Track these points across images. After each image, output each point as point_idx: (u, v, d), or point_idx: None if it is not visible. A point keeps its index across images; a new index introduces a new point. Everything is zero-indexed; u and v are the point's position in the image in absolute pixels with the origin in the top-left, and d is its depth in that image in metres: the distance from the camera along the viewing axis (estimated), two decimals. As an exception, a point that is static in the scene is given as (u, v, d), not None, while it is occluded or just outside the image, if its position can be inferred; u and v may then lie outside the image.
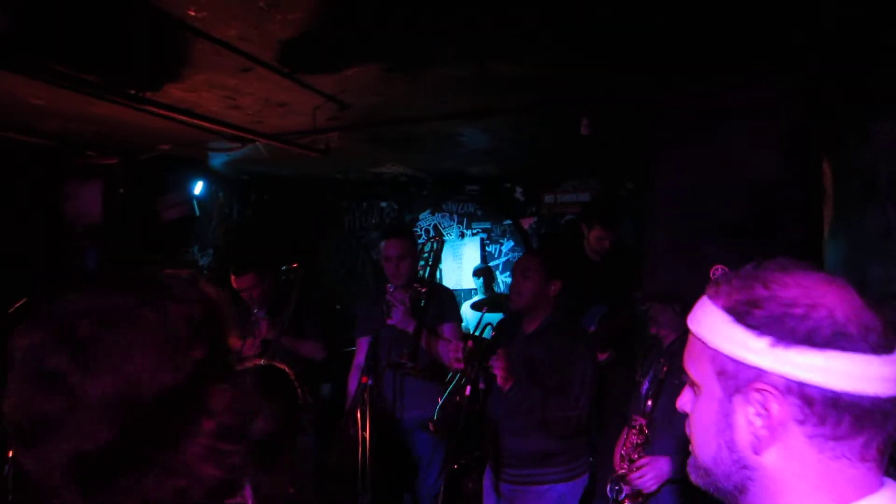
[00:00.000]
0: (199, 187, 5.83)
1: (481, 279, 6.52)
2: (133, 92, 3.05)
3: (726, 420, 0.89)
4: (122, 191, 5.14)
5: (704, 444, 0.93)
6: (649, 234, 2.63)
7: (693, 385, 0.96)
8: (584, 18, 2.57)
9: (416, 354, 3.17)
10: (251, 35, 2.95)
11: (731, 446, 0.89)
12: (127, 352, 0.79)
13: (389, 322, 3.43)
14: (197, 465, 0.79)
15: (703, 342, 0.92)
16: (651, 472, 2.65)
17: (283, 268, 3.93)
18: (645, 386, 2.99)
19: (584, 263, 4.73)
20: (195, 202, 5.70)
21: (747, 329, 0.86)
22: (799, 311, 0.83)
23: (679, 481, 2.63)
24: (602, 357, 4.04)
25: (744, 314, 0.87)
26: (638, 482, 2.68)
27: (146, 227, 5.42)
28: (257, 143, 4.58)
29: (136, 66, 3.14)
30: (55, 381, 0.77)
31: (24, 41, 2.72)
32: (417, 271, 3.71)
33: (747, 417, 0.87)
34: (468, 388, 2.54)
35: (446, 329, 3.61)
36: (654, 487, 2.67)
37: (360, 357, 3.66)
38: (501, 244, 7.10)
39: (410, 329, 3.32)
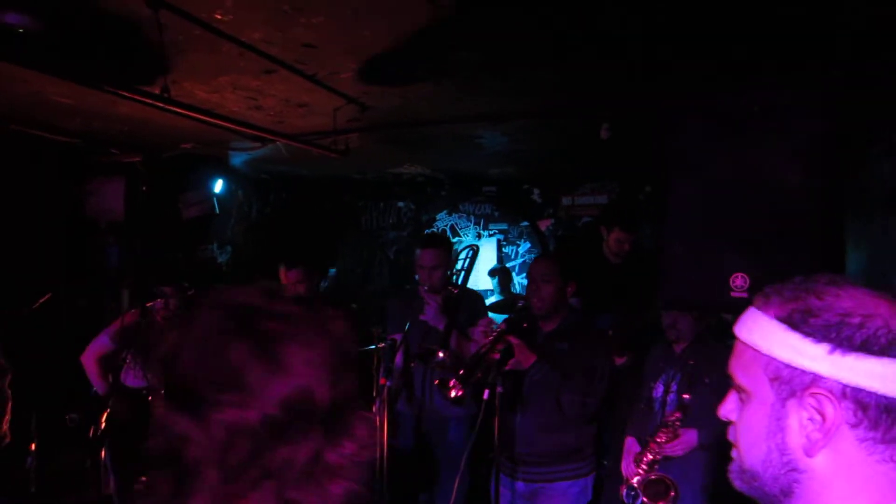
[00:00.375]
0: (219, 185, 5.90)
1: (496, 279, 6.53)
2: (158, 92, 3.10)
3: (778, 423, 0.92)
4: (144, 188, 5.20)
5: (753, 447, 0.96)
6: (668, 240, 2.63)
7: (741, 391, 0.99)
8: (604, 24, 2.58)
9: (446, 346, 3.23)
10: (275, 38, 2.99)
11: (783, 449, 0.92)
12: (306, 352, 0.84)
13: (422, 318, 3.50)
14: (329, 482, 0.83)
15: (754, 349, 0.95)
16: (679, 441, 2.85)
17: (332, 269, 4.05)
18: (659, 390, 3.02)
19: (601, 266, 4.72)
20: (215, 200, 5.76)
21: (804, 336, 0.89)
22: (855, 320, 0.87)
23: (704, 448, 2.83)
24: (619, 361, 4.04)
25: (799, 322, 0.90)
26: (666, 447, 2.84)
27: (167, 224, 5.49)
28: (278, 142, 4.63)
29: (162, 67, 3.18)
30: (235, 360, 0.82)
31: (51, 41, 2.77)
32: (450, 277, 3.79)
33: (801, 421, 0.90)
34: (486, 392, 2.56)
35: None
36: (680, 454, 2.86)
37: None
38: (518, 245, 7.10)
39: (441, 326, 3.37)
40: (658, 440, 2.81)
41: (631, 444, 3.11)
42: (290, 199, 7.29)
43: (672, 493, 2.74)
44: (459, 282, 3.76)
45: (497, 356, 2.70)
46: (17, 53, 2.46)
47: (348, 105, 3.99)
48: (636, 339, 4.32)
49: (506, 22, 2.74)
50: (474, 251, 3.89)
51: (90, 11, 2.64)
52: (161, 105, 3.32)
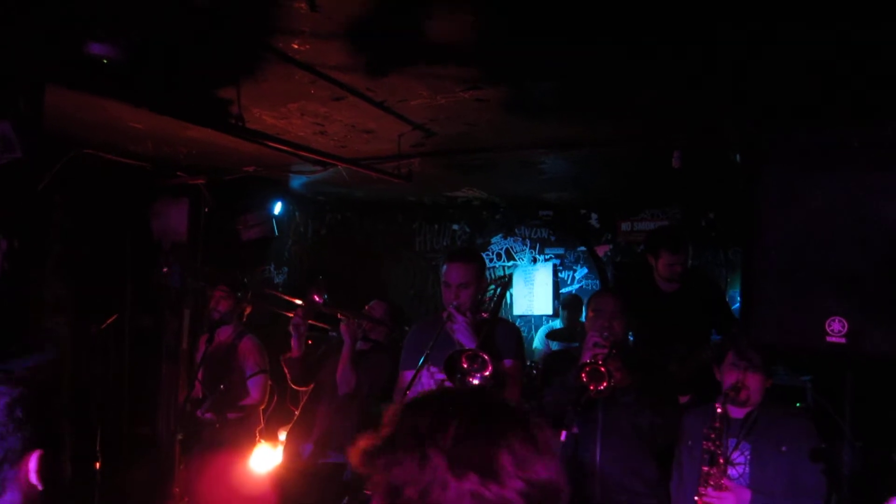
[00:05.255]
0: (278, 207, 5.95)
1: (566, 310, 6.30)
2: (232, 120, 3.13)
3: None
4: (206, 210, 5.28)
5: None
6: (757, 280, 2.49)
7: None
8: (696, 55, 2.49)
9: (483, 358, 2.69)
10: (348, 64, 2.98)
11: None
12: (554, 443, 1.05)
13: (454, 334, 2.93)
14: None
15: None
16: (732, 498, 2.58)
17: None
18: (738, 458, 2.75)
19: (654, 297, 4.51)
20: (274, 222, 5.81)
21: None
22: None
23: None
24: (682, 400, 3.85)
25: None
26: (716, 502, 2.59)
27: (227, 245, 5.55)
28: (340, 167, 4.63)
29: (235, 94, 3.21)
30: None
31: (132, 71, 2.82)
32: (482, 302, 3.23)
33: None
34: (563, 434, 2.47)
35: (507, 364, 3.06)
36: None
37: (401, 387, 3.10)
38: (574, 271, 6.97)
39: (472, 346, 2.83)
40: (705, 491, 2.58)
41: None
42: (344, 219, 7.33)
43: None
44: (490, 310, 3.22)
45: (585, 378, 2.59)
46: (102, 84, 2.50)
47: (413, 131, 3.98)
48: (701, 375, 4.12)
49: (586, 47, 2.68)
50: (503, 286, 3.48)
51: (166, 39, 2.68)
52: (233, 133, 3.36)
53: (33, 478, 1.27)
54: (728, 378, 2.72)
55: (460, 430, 0.97)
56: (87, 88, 2.65)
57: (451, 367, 2.70)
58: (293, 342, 3.85)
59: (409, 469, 0.95)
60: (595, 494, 2.84)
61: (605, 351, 2.68)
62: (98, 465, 4.04)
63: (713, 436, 2.65)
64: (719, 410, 2.67)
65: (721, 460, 2.64)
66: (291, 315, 3.92)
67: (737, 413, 2.75)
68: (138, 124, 3.85)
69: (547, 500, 0.96)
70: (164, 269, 5.10)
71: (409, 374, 3.03)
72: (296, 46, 2.74)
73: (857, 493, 2.74)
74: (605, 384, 2.57)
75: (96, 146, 4.33)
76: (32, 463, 1.27)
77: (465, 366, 2.69)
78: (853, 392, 2.59)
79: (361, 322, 3.90)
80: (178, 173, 5.12)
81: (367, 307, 4.10)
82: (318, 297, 3.88)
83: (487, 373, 2.68)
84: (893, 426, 3.37)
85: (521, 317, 7.03)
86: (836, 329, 2.30)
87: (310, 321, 3.98)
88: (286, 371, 3.92)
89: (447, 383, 2.72)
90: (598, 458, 2.82)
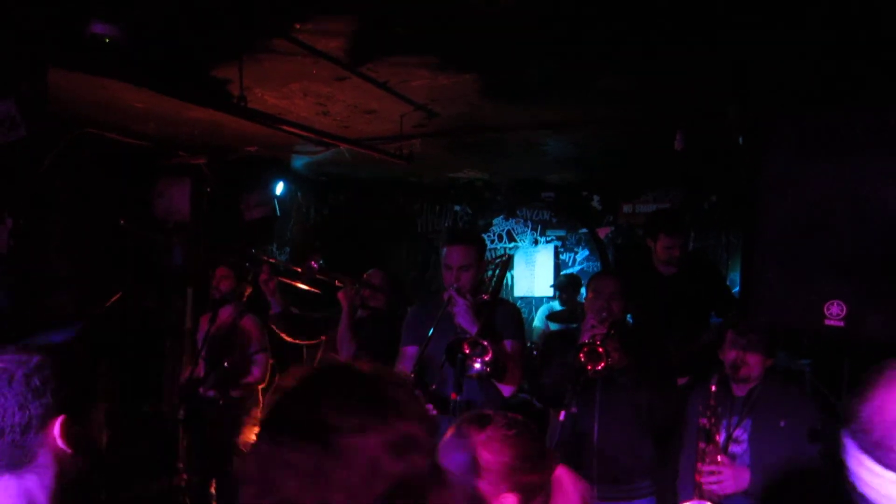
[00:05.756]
0: (279, 187, 5.95)
1: (561, 292, 6.29)
2: (234, 100, 3.12)
3: None
4: (209, 190, 5.28)
5: None
6: (757, 263, 2.50)
7: None
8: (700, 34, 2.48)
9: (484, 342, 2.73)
10: (350, 46, 2.98)
11: None
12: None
13: (455, 317, 2.96)
14: None
15: None
16: (730, 476, 2.60)
17: None
18: (721, 437, 2.79)
19: (653, 279, 4.52)
20: (276, 202, 5.82)
21: None
22: None
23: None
24: (681, 381, 3.88)
25: None
26: (713, 479, 2.61)
27: (230, 225, 5.56)
28: (342, 147, 4.63)
29: (237, 75, 3.21)
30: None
31: (134, 51, 2.81)
32: (482, 283, 3.25)
33: None
34: (562, 413, 2.49)
35: (508, 345, 3.11)
36: (728, 491, 2.62)
37: (402, 367, 3.12)
38: (576, 253, 6.97)
39: (474, 330, 2.87)
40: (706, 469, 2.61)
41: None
42: (346, 200, 7.32)
43: None
44: (490, 291, 3.23)
45: (583, 358, 2.62)
46: (104, 64, 2.50)
47: (415, 111, 3.97)
48: (701, 357, 4.14)
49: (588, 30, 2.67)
50: (502, 265, 3.53)
51: (168, 19, 2.67)
52: (234, 113, 3.35)
53: (60, 442, 1.29)
54: (728, 356, 2.76)
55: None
56: (90, 69, 2.64)
57: (452, 353, 2.74)
58: (270, 300, 3.96)
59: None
60: (592, 473, 2.87)
61: (604, 331, 2.70)
62: (105, 438, 4.09)
63: (709, 413, 2.70)
64: (713, 389, 2.72)
65: (718, 437, 2.68)
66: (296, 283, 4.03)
67: (739, 391, 2.79)
68: (140, 104, 3.85)
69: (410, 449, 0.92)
70: (168, 249, 5.13)
71: (410, 350, 3.10)
72: (298, 27, 2.73)
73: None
74: (602, 364, 2.60)
75: (99, 126, 4.33)
76: (57, 428, 1.28)
77: (467, 351, 2.74)
78: (851, 376, 2.62)
79: (359, 289, 3.92)
80: (180, 153, 5.12)
81: (364, 276, 4.11)
82: (315, 262, 3.99)
83: (488, 358, 2.74)
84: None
85: (521, 298, 7.06)
86: (835, 313, 2.32)
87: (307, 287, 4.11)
88: (277, 330, 4.02)
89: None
90: (595, 437, 2.85)
